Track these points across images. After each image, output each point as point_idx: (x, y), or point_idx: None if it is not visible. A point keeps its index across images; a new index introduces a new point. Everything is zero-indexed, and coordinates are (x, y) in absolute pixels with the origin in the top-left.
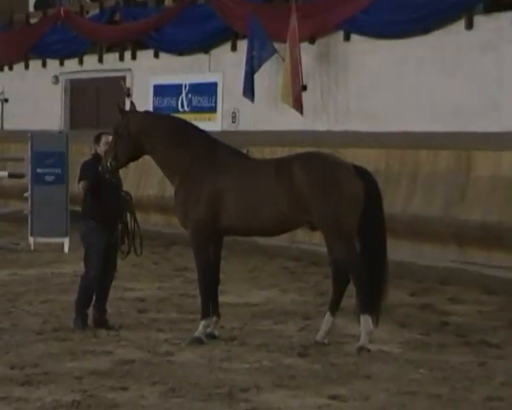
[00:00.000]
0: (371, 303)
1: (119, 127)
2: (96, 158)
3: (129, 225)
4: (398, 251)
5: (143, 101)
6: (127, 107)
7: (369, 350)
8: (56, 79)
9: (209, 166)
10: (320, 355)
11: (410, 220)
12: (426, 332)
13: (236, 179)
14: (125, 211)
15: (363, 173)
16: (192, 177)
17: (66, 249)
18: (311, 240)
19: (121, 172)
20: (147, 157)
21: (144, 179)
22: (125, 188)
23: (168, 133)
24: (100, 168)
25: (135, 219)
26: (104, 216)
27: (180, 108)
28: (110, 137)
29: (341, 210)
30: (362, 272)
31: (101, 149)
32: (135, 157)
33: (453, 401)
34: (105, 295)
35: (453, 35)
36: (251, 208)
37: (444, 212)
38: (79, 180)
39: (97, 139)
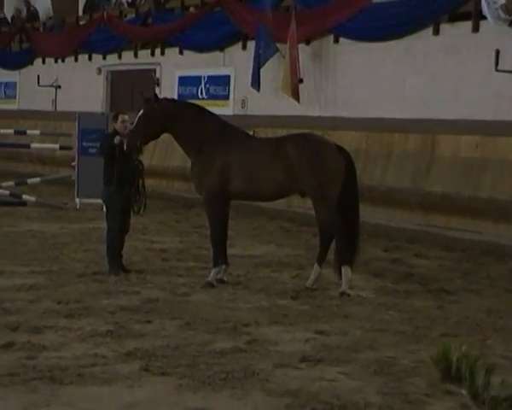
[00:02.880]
0: (350, 256)
1: (147, 111)
2: (114, 133)
3: (139, 189)
4: (375, 215)
5: (170, 89)
6: (154, 94)
7: (348, 295)
8: (100, 71)
9: (220, 143)
10: (308, 298)
11: (385, 191)
12: (395, 281)
13: (241, 154)
14: (137, 177)
15: (343, 152)
16: (206, 152)
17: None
18: (305, 205)
19: (151, 147)
20: (171, 136)
21: (170, 153)
22: (153, 159)
23: (187, 116)
24: (122, 145)
25: (143, 185)
26: (120, 181)
27: (199, 96)
28: (126, 116)
29: (326, 181)
30: (341, 230)
31: (118, 125)
32: (157, 136)
33: (415, 337)
34: (121, 244)
35: (422, 39)
36: (253, 178)
37: (412, 184)
38: (98, 149)
39: (115, 118)
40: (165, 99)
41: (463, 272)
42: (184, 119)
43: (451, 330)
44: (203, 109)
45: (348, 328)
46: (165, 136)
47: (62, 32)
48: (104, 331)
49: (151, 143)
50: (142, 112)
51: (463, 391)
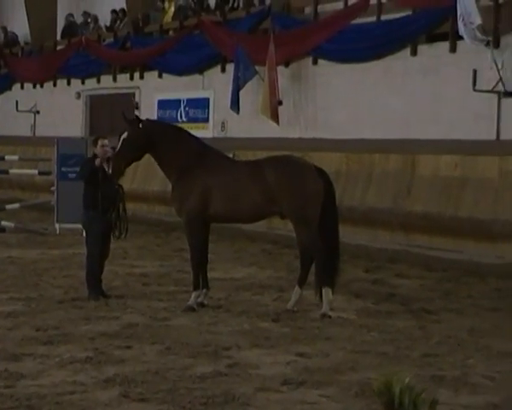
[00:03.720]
0: (330, 277)
1: (131, 133)
2: (94, 157)
3: (120, 213)
4: (355, 236)
5: (149, 113)
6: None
7: (330, 316)
8: (79, 95)
9: (200, 166)
10: (290, 320)
11: (365, 211)
12: (376, 302)
13: (222, 177)
14: (118, 201)
15: (322, 173)
16: (186, 175)
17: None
18: (286, 227)
19: (131, 171)
20: (152, 160)
21: (150, 177)
22: (133, 183)
23: (169, 138)
24: (103, 168)
25: (124, 209)
26: (101, 206)
27: (179, 119)
28: (106, 141)
29: (305, 203)
30: (322, 252)
31: (98, 150)
32: (140, 157)
33: (397, 358)
34: (101, 269)
35: (401, 60)
36: (232, 201)
37: (393, 204)
38: (79, 174)
39: (95, 142)
40: (148, 120)
41: (444, 291)
42: (166, 141)
43: (433, 350)
44: (184, 132)
45: (330, 350)
46: (146, 159)
47: (40, 56)
48: (83, 358)
49: (131, 167)
50: (126, 134)
51: None
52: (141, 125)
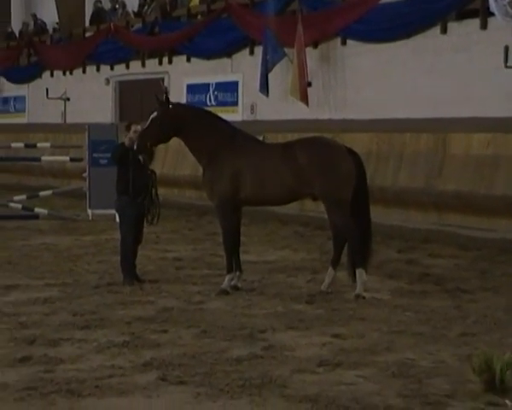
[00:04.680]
0: (363, 258)
1: (161, 114)
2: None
3: (153, 198)
4: (388, 217)
5: (178, 97)
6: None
7: (364, 297)
8: (108, 81)
9: (231, 149)
10: (324, 302)
11: (397, 191)
12: (410, 282)
13: (252, 160)
14: (151, 187)
15: (353, 154)
16: (217, 158)
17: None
18: (318, 209)
19: (161, 155)
20: (182, 145)
21: (181, 161)
22: (164, 168)
23: (199, 122)
24: (133, 147)
25: (156, 194)
26: (134, 191)
27: (208, 103)
28: (138, 127)
29: (338, 185)
30: (355, 233)
31: (131, 135)
32: (167, 139)
33: (433, 338)
34: (135, 254)
35: (430, 39)
36: (264, 183)
37: (425, 184)
38: (111, 159)
39: (128, 128)
40: (179, 104)
41: (479, 270)
42: (196, 125)
43: (470, 330)
44: (214, 115)
45: (365, 331)
46: (176, 144)
47: (69, 44)
48: (120, 342)
49: (161, 152)
50: (155, 114)
51: (508, 402)
52: (171, 107)
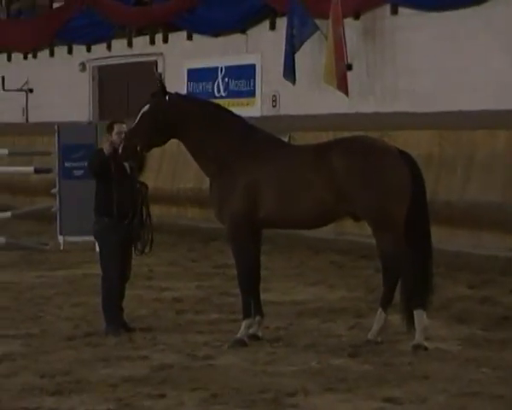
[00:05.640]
0: (423, 297)
1: (154, 107)
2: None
3: (144, 220)
4: (454, 241)
5: (177, 87)
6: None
7: (425, 348)
8: (83, 67)
9: (246, 154)
10: (372, 355)
11: (467, 207)
12: (487, 328)
13: (274, 168)
14: (140, 205)
15: (408, 159)
16: (228, 167)
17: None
18: (361, 232)
19: (155, 163)
20: (182, 149)
21: (181, 171)
22: (158, 179)
23: (204, 119)
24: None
25: (148, 214)
26: (118, 212)
27: (216, 94)
28: (124, 126)
29: (387, 200)
30: (411, 264)
31: (114, 137)
32: (163, 142)
33: None
34: (122, 294)
35: (508, 5)
36: (290, 199)
37: (503, 197)
38: (87, 168)
39: (110, 128)
40: (178, 94)
41: None
42: (201, 122)
43: None
44: (225, 110)
45: (427, 393)
46: (174, 147)
47: (33, 18)
48: None
49: (155, 159)
50: (147, 108)
51: None
52: (167, 99)
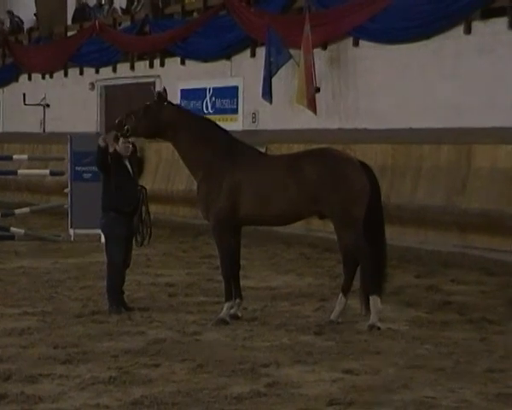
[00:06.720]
0: (378, 284)
1: (154, 106)
2: (115, 153)
3: (143, 217)
4: (404, 238)
5: None
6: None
7: (379, 328)
8: (92, 86)
9: (229, 161)
10: (334, 333)
11: (415, 209)
12: (430, 311)
13: (253, 174)
14: (140, 203)
15: (366, 168)
16: (213, 171)
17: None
18: (326, 228)
19: (152, 168)
20: (175, 156)
21: (174, 175)
22: (155, 182)
23: (194, 127)
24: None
25: (147, 212)
26: (122, 208)
27: (205, 111)
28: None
29: (349, 202)
30: (368, 256)
31: (120, 146)
32: (151, 135)
33: (457, 374)
34: (123, 279)
35: (452, 40)
36: (266, 200)
37: (446, 201)
38: (95, 161)
39: (116, 138)
40: (175, 104)
41: (508, 298)
42: (190, 130)
43: (497, 365)
44: (212, 122)
45: (380, 365)
46: (169, 155)
47: (50, 44)
48: (106, 378)
49: (152, 164)
50: (148, 104)
51: None
52: (166, 104)
